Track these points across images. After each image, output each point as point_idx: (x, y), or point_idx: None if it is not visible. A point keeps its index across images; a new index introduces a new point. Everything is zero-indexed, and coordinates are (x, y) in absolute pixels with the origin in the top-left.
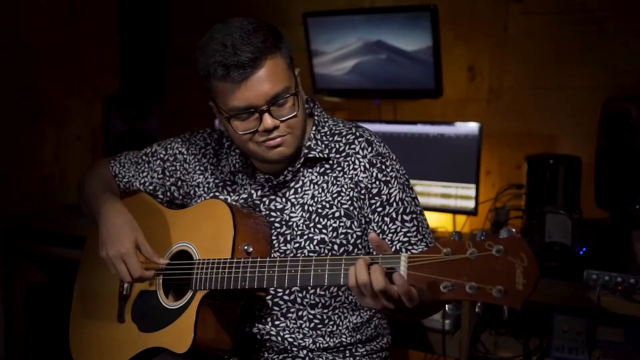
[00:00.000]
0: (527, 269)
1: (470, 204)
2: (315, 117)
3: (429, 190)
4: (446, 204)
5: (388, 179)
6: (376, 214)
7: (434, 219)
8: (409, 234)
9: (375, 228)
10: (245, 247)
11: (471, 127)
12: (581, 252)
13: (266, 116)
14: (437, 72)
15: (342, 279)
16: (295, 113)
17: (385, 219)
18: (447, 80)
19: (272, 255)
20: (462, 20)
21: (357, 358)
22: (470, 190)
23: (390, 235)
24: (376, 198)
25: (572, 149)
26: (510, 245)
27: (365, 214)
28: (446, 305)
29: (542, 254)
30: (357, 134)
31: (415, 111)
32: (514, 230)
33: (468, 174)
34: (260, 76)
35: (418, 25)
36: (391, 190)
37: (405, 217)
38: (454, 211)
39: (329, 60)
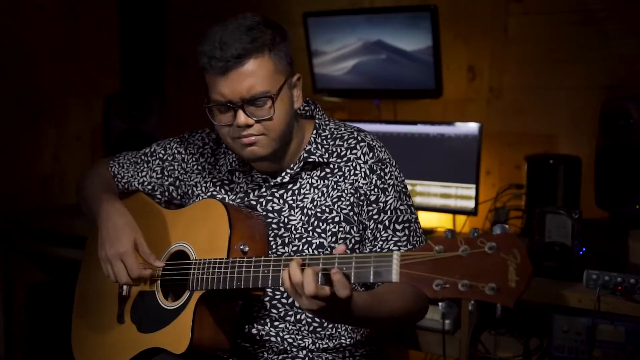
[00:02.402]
0: (520, 265)
1: (470, 204)
2: (316, 121)
3: (428, 190)
4: (446, 204)
5: (385, 186)
6: (372, 221)
7: (434, 219)
8: (399, 243)
9: (369, 234)
10: (242, 247)
11: (471, 127)
12: (581, 252)
13: (240, 112)
14: (437, 72)
15: None
16: (270, 116)
17: (379, 226)
18: (447, 80)
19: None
20: (462, 20)
21: (357, 358)
22: (470, 190)
23: (381, 242)
24: (373, 205)
25: (572, 149)
26: (503, 242)
27: (363, 220)
28: (440, 304)
29: (542, 254)
30: (359, 138)
31: (415, 111)
32: (507, 226)
33: (468, 174)
34: (240, 73)
35: (418, 25)
36: (387, 198)
37: (397, 225)
38: (454, 211)
39: (329, 60)
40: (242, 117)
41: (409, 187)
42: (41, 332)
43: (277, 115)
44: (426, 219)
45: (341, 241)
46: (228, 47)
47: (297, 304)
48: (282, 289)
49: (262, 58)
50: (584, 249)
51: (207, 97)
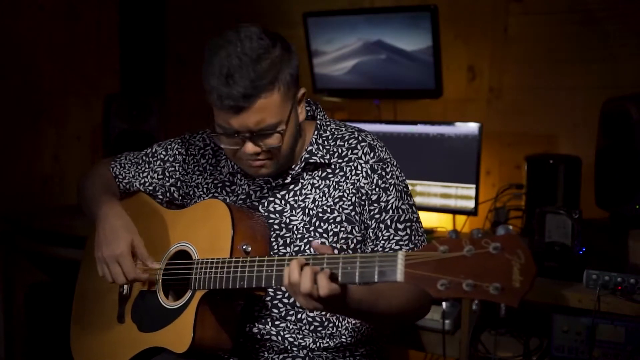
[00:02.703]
0: (524, 266)
1: (470, 204)
2: (318, 121)
3: (429, 190)
4: (446, 204)
5: (387, 185)
6: (373, 220)
7: (434, 219)
8: (400, 242)
9: (371, 234)
10: (244, 247)
11: (471, 127)
12: (581, 252)
13: (248, 143)
14: (437, 72)
15: (339, 277)
16: (279, 145)
17: (380, 225)
18: (447, 80)
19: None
20: (462, 20)
21: (357, 358)
22: (470, 190)
23: (383, 242)
24: (375, 205)
25: (572, 149)
26: (507, 242)
27: (365, 220)
28: (444, 304)
29: (542, 254)
30: (360, 138)
31: (415, 111)
32: (510, 227)
33: (468, 174)
34: (250, 111)
35: (418, 25)
36: (389, 198)
37: (399, 225)
38: (454, 211)
39: (329, 60)
40: (250, 147)
41: (409, 187)
42: (41, 332)
43: (286, 141)
44: (426, 219)
45: (342, 241)
46: (235, 83)
47: (297, 304)
48: (283, 288)
49: (271, 93)
50: (584, 249)
51: (212, 123)
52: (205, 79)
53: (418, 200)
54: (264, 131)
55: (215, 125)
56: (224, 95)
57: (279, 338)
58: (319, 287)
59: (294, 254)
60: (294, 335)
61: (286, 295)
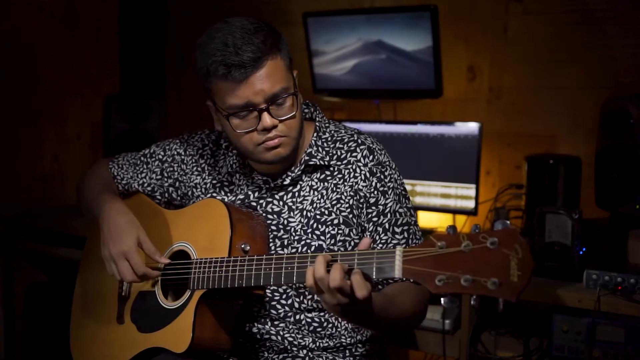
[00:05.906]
0: (521, 260)
1: (470, 204)
2: (317, 123)
3: (429, 190)
4: (446, 204)
5: (385, 189)
6: (371, 223)
7: (434, 219)
8: (397, 246)
9: (368, 236)
10: (243, 246)
11: (471, 127)
12: (581, 252)
13: (265, 115)
14: (437, 72)
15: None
16: (294, 113)
17: (378, 228)
18: (447, 80)
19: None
20: (462, 20)
21: (357, 357)
22: (470, 190)
23: (380, 245)
24: (373, 207)
25: (572, 149)
26: (505, 237)
27: (362, 222)
28: (442, 299)
29: (542, 254)
30: (359, 141)
31: (415, 111)
32: (508, 222)
33: (468, 174)
34: (261, 75)
35: (418, 25)
36: (387, 201)
37: (396, 228)
38: (454, 211)
39: (329, 60)
40: (267, 119)
41: (409, 187)
42: (41, 332)
43: (298, 112)
44: (426, 219)
45: (340, 243)
46: (243, 50)
47: (297, 305)
48: (281, 289)
49: (276, 58)
50: (584, 249)
51: (221, 107)
52: (206, 61)
53: (418, 200)
54: (278, 96)
55: (226, 111)
56: (234, 64)
57: (279, 338)
58: (355, 287)
59: None
60: (293, 335)
61: (284, 296)
